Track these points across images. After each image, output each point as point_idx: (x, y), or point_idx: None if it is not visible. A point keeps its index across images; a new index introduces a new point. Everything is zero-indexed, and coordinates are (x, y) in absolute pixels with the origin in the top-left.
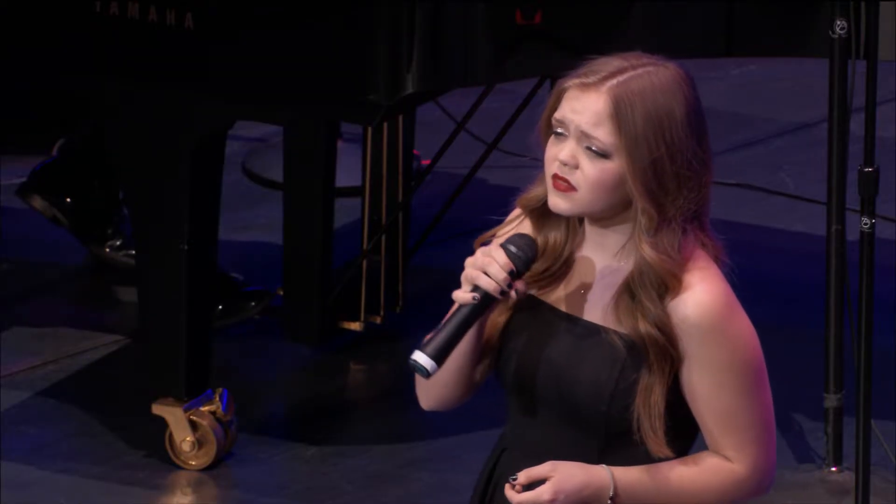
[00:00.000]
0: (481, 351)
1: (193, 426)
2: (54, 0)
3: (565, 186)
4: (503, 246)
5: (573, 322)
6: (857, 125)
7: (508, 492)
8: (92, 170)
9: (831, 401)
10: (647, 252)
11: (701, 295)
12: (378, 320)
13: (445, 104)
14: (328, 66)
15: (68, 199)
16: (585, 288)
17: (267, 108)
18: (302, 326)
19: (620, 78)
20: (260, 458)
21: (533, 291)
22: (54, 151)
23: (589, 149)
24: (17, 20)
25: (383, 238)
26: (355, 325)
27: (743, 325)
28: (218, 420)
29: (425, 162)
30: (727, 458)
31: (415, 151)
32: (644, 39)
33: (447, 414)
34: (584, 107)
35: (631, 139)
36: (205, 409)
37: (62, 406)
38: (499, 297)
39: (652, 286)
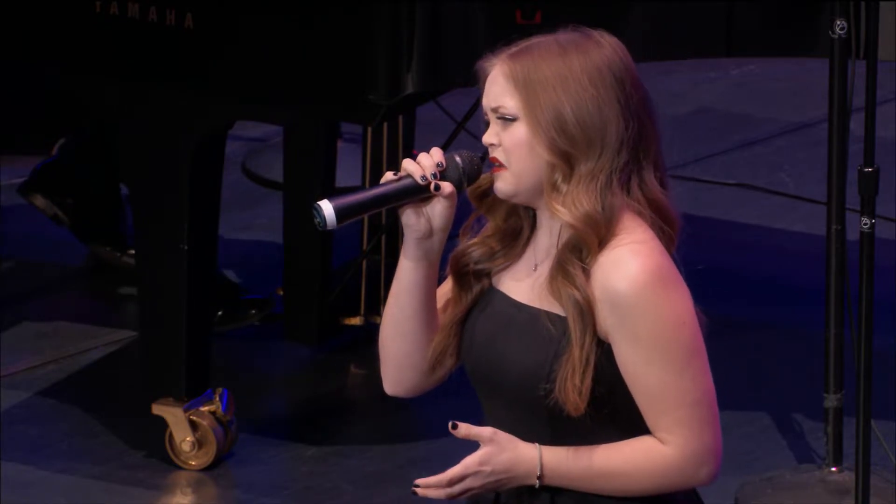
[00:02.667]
0: (431, 327)
1: (193, 426)
2: (54, 0)
3: (498, 166)
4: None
5: (517, 308)
6: (857, 125)
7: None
8: (93, 169)
9: (831, 401)
10: (557, 209)
11: (629, 266)
12: (378, 320)
13: (445, 104)
14: (328, 66)
15: (69, 199)
16: (534, 273)
17: (267, 108)
18: (302, 326)
19: (522, 46)
20: (260, 458)
21: (494, 283)
22: (55, 151)
23: (501, 118)
24: (17, 20)
25: (383, 238)
26: (356, 320)
27: (674, 300)
28: (218, 420)
29: None
30: (662, 441)
31: (414, 151)
32: (644, 39)
33: (447, 414)
34: (490, 82)
35: (528, 92)
36: (205, 409)
37: (62, 406)
38: (420, 182)
39: (574, 251)
